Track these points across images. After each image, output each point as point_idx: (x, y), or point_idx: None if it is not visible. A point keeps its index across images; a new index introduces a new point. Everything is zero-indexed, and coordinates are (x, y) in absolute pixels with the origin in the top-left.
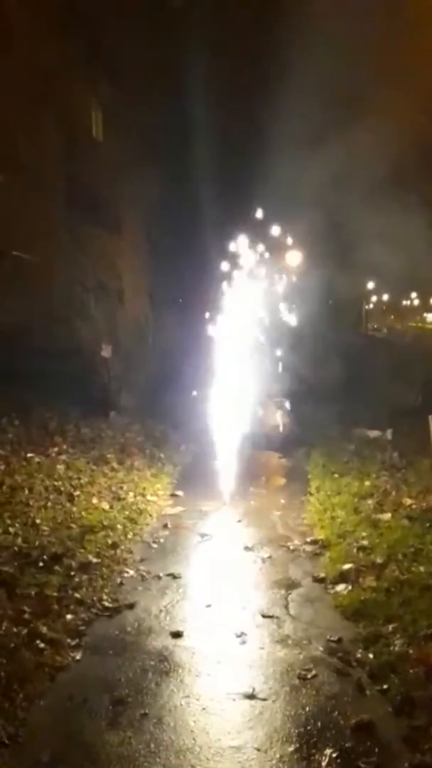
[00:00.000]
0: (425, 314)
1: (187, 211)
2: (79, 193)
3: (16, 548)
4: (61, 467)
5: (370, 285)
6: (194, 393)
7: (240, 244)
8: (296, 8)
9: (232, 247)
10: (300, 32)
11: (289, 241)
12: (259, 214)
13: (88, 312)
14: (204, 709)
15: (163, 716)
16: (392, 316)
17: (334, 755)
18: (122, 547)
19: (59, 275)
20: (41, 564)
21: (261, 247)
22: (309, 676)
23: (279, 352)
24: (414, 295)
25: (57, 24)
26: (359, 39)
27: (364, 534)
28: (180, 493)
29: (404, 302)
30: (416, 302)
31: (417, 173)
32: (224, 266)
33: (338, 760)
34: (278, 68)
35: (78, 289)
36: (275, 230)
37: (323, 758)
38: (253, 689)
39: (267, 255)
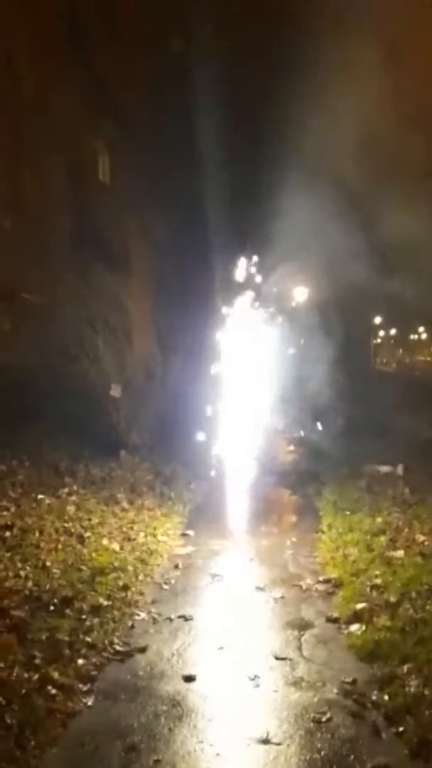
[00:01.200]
0: None
1: (195, 251)
2: (86, 235)
3: (27, 592)
4: (71, 508)
5: (378, 320)
6: (204, 431)
7: (247, 282)
8: (303, 46)
9: (239, 285)
10: (308, 71)
11: (297, 277)
12: (266, 252)
13: (96, 352)
14: (218, 755)
15: (176, 763)
16: (400, 350)
17: None
18: (133, 588)
19: (68, 317)
20: (52, 608)
21: (268, 284)
22: (324, 719)
23: (287, 388)
24: (421, 329)
25: (62, 68)
26: (374, 71)
27: (377, 572)
28: (191, 532)
29: (412, 336)
30: (423, 336)
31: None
32: (232, 304)
33: None
34: (286, 107)
35: (86, 330)
36: (283, 267)
37: None
38: (268, 733)
39: (274, 290)
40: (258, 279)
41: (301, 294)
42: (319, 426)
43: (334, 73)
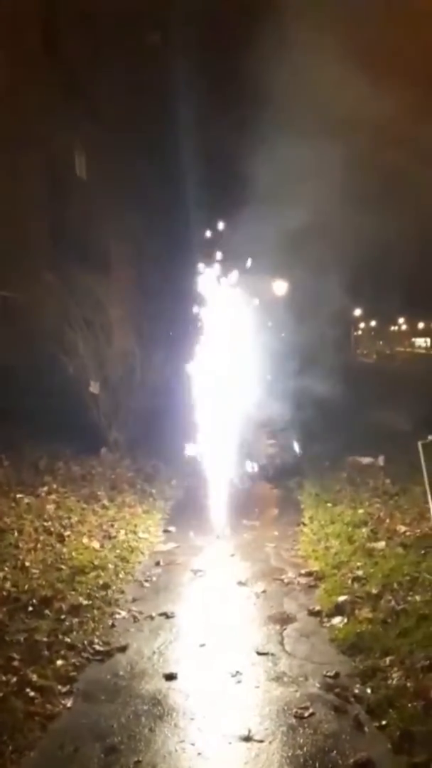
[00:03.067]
0: (413, 339)
1: (174, 245)
2: (64, 232)
3: (5, 593)
4: (51, 507)
5: (357, 312)
6: (185, 427)
7: (225, 273)
8: (279, 37)
9: (219, 277)
10: (284, 63)
11: (275, 270)
12: (246, 244)
13: (75, 350)
14: (199, 754)
15: (157, 763)
16: (381, 342)
17: None
18: (114, 587)
19: (46, 314)
20: (30, 608)
21: (247, 275)
22: (306, 714)
23: (268, 380)
24: (401, 320)
25: (37, 65)
26: (351, 60)
27: (358, 564)
28: (172, 528)
29: (392, 327)
30: (404, 327)
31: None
32: (210, 296)
33: None
34: (263, 100)
35: (65, 328)
36: (260, 260)
37: None
38: (249, 730)
39: (253, 282)
40: (236, 270)
41: (279, 288)
42: (299, 420)
43: (314, 41)
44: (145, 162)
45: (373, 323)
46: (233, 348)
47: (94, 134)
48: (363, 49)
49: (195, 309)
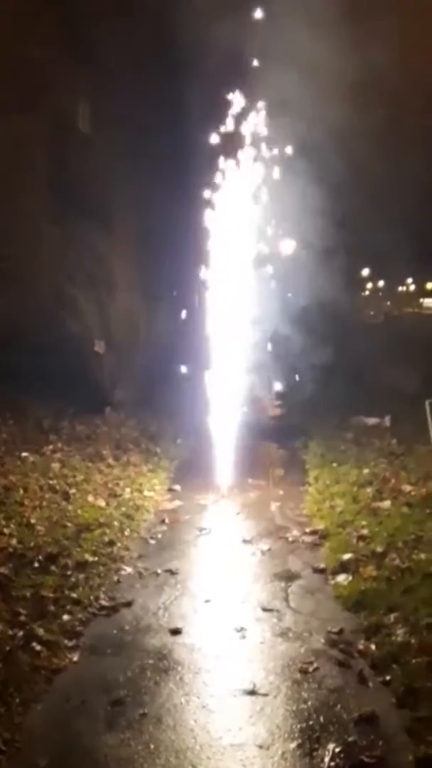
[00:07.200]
0: (421, 300)
1: (179, 200)
2: (66, 186)
3: (10, 549)
4: (56, 465)
5: (365, 272)
6: (190, 386)
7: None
8: None
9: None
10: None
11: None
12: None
13: (78, 307)
14: (204, 706)
15: (162, 716)
16: (388, 303)
17: (338, 750)
18: (119, 544)
19: (48, 271)
20: (36, 564)
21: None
22: (310, 669)
23: (275, 341)
24: (409, 280)
25: (38, 14)
26: None
27: (363, 523)
28: (177, 487)
29: (400, 288)
30: (412, 288)
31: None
32: (217, 249)
33: (341, 755)
34: (272, 50)
35: (67, 285)
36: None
37: (326, 753)
38: (254, 685)
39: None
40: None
41: (287, 247)
42: (305, 380)
43: None
44: (152, 115)
45: (381, 284)
46: (240, 307)
47: (99, 86)
48: None
49: (201, 265)
